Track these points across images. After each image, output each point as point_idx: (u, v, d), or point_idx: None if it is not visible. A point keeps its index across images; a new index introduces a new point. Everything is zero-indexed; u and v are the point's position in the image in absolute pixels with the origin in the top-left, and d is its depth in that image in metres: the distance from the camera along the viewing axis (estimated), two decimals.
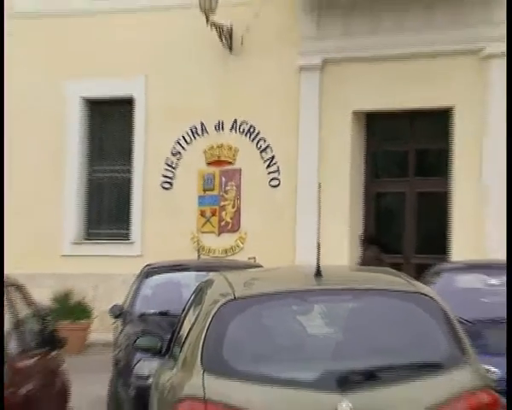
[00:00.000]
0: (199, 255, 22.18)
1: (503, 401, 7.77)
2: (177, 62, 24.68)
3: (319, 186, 19.16)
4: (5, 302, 10.50)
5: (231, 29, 24.35)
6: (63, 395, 12.30)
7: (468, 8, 22.56)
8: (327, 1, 23.76)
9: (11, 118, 24.93)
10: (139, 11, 25.04)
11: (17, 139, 25.62)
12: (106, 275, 23.01)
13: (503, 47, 22.14)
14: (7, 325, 10.26)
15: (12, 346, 10.22)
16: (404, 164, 24.53)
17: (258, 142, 24.55)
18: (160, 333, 11.40)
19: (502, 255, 20.03)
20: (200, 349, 7.43)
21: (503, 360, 11.88)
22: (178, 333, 9.12)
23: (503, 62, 22.23)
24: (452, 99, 22.80)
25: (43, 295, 19.70)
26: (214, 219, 24.80)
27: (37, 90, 25.54)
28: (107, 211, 26.04)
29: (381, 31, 23.30)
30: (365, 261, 20.50)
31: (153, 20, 24.84)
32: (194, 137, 25.09)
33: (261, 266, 16.78)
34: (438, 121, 23.24)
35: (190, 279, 13.72)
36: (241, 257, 22.27)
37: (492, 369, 9.61)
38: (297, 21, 24.15)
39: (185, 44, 24.51)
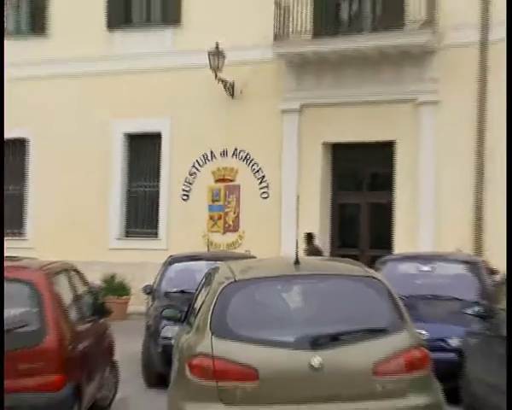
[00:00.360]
0: (208, 249, 22.52)
1: (431, 355, 7.92)
2: (194, 107, 24.74)
3: (297, 198, 19.50)
4: (66, 282, 10.72)
5: (233, 83, 24.46)
6: (109, 350, 12.39)
7: (407, 70, 22.83)
8: (303, 63, 23.84)
9: (74, 146, 25.57)
10: (167, 70, 24.99)
11: (77, 162, 25.80)
12: (140, 263, 23.02)
13: (431, 97, 22.68)
14: (69, 300, 10.44)
15: (73, 314, 10.31)
16: (360, 182, 24.72)
17: (252, 165, 24.63)
18: (179, 306, 11.48)
19: (430, 249, 20.39)
20: (209, 318, 7.68)
21: (431, 325, 12.16)
22: (193, 306, 9.32)
23: (432, 108, 22.75)
24: (395, 135, 23.08)
25: (95, 278, 19.82)
26: (220, 222, 24.83)
27: (93, 126, 25.70)
28: (142, 216, 26.00)
29: (343, 84, 23.46)
30: (309, 252, 20.66)
31: (177, 76, 24.86)
32: (206, 162, 25.15)
33: (255, 257, 16.79)
34: (384, 151, 23.22)
35: (202, 266, 13.72)
36: (240, 250, 22.28)
37: (423, 332, 9.86)
38: (281, 77, 24.26)
39: (199, 94, 24.63)
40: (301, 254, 20.05)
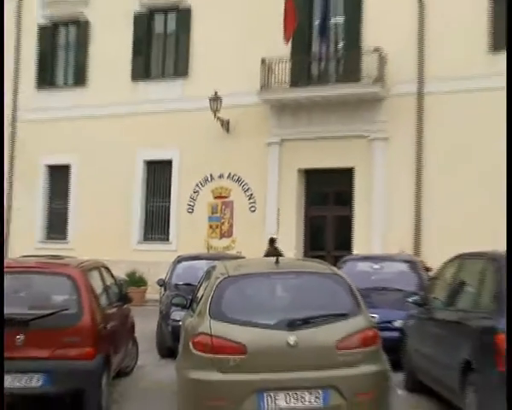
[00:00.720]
0: (208, 251, 22.54)
1: (380, 333, 7.94)
2: (197, 140, 24.76)
3: (278, 212, 19.36)
4: (97, 276, 10.75)
5: (228, 121, 24.47)
6: (131, 329, 12.40)
7: (362, 113, 22.99)
8: (283, 107, 23.93)
9: (106, 171, 25.81)
10: (177, 111, 25.11)
11: (108, 183, 25.90)
12: (155, 261, 22.92)
13: (381, 135, 22.84)
14: (100, 290, 10.44)
15: (103, 301, 10.32)
16: (327, 199, 24.68)
17: (243, 186, 24.60)
18: (185, 296, 11.48)
19: (380, 251, 20.44)
20: (208, 305, 7.71)
21: (380, 311, 12.17)
22: (196, 296, 9.23)
23: (382, 143, 22.97)
24: (353, 163, 23.15)
25: (120, 273, 19.76)
26: (217, 230, 24.76)
27: (120, 155, 25.76)
28: (156, 225, 25.91)
29: (314, 123, 23.54)
30: (269, 253, 20.41)
31: (185, 116, 24.93)
32: (206, 183, 25.12)
33: (244, 258, 16.82)
34: (345, 175, 23.23)
35: (203, 264, 13.58)
36: (232, 252, 22.15)
37: (375, 316, 9.82)
38: (266, 118, 24.28)
39: (202, 130, 24.65)
40: (262, 254, 20.42)
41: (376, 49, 22.34)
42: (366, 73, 22.56)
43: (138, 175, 26.24)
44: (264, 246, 20.95)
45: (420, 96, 22.37)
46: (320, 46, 23.19)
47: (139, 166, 26.23)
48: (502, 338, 7.33)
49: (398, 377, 10.47)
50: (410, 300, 11.32)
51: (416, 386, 10.70)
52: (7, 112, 26.95)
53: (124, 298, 11.82)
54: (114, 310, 10.96)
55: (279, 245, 20.74)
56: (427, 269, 15.89)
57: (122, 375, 11.74)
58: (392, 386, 8.56)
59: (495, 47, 21.63)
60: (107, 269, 11.73)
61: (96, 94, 26.75)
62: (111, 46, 26.38)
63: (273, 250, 20.74)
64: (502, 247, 9.65)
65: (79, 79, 27.59)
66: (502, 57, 21.28)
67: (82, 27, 27.75)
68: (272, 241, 21.33)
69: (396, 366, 9.89)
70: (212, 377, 7.34)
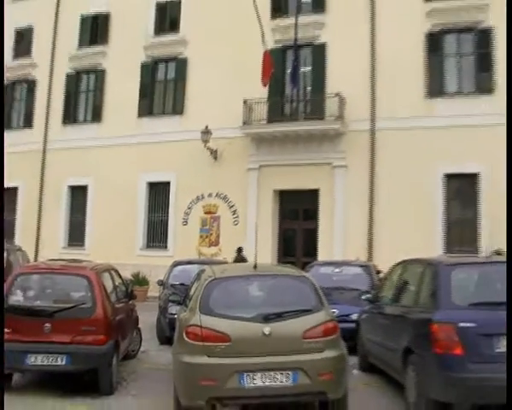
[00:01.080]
0: (199, 257, 22.43)
1: (340, 325, 7.99)
2: (191, 165, 24.65)
3: (256, 225, 19.36)
4: (108, 277, 10.80)
5: (216, 150, 24.39)
6: (136, 320, 12.39)
7: (326, 145, 22.93)
8: (261, 139, 23.89)
9: (116, 190, 25.88)
10: (175, 142, 25.01)
11: (117, 200, 25.80)
12: (155, 265, 22.72)
13: (341, 162, 22.79)
14: (110, 288, 10.50)
15: (113, 297, 10.37)
16: (297, 215, 24.51)
17: (228, 203, 24.50)
18: (180, 294, 11.47)
19: (340, 258, 20.37)
20: (198, 302, 7.75)
21: (340, 306, 12.21)
22: (188, 294, 9.19)
23: (342, 170, 22.87)
24: (319, 185, 23.09)
25: (127, 274, 19.75)
26: (207, 240, 24.61)
27: (127, 177, 25.65)
28: (157, 235, 25.79)
29: (286, 152, 23.46)
30: (236, 260, 20.55)
31: (181, 146, 24.84)
32: (198, 200, 24.96)
33: (228, 263, 16.88)
34: (312, 195, 23.17)
35: (194, 268, 13.32)
36: (219, 258, 22.07)
37: (335, 311, 9.82)
38: (247, 148, 24.21)
39: (194, 157, 24.54)
40: (230, 260, 20.39)
41: (337, 94, 22.41)
42: (329, 113, 22.59)
43: (142, 194, 26.07)
44: (246, 253, 20.96)
45: (372, 132, 22.42)
46: (292, 90, 23.20)
47: (143, 187, 26.07)
48: (436, 327, 7.43)
49: (353, 360, 10.56)
50: (363, 297, 11.38)
51: (368, 367, 10.77)
52: (39, 145, 27.81)
53: (130, 295, 11.82)
54: (122, 305, 11.00)
55: (256, 253, 20.63)
56: (378, 272, 15.96)
57: (128, 358, 11.78)
58: (349, 367, 8.60)
59: (430, 94, 21.91)
60: (116, 271, 11.77)
61: (109, 128, 26.76)
62: (122, 90, 26.38)
63: (240, 258, 20.85)
64: (437, 254, 9.79)
65: (96, 116, 27.59)
66: (436, 102, 21.72)
67: (99, 75, 27.83)
68: (239, 250, 21.48)
69: (352, 350, 9.88)
70: (202, 360, 7.37)
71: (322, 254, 22.15)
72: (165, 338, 13.49)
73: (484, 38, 21.41)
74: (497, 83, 20.99)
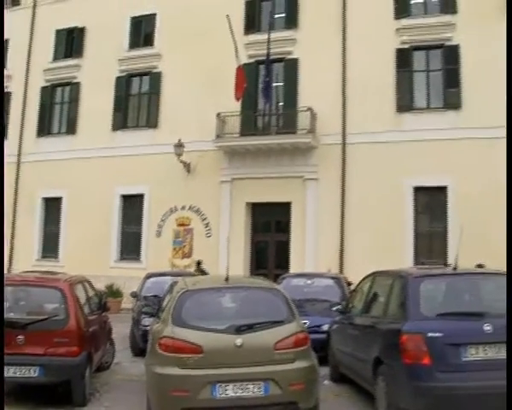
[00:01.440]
0: (172, 268, 22.31)
1: (311, 336, 8.09)
2: (164, 178, 24.52)
3: (228, 238, 19.40)
4: (82, 288, 10.72)
5: (189, 163, 24.31)
6: (109, 332, 12.31)
7: (298, 158, 23.02)
8: (233, 152, 23.89)
9: (90, 202, 25.65)
10: (148, 155, 24.95)
11: (91, 213, 25.54)
12: (129, 277, 22.49)
13: (312, 176, 22.86)
14: (83, 300, 10.43)
15: (86, 309, 10.30)
16: (269, 227, 24.55)
17: (201, 215, 24.40)
18: (153, 306, 11.43)
19: (312, 270, 20.42)
20: (171, 314, 7.77)
21: (311, 317, 12.25)
22: (161, 306, 9.20)
23: (313, 183, 22.94)
24: (291, 198, 23.10)
25: (101, 286, 19.58)
26: (180, 252, 24.44)
27: (101, 190, 25.45)
28: (131, 247, 25.57)
29: (258, 166, 23.49)
30: (196, 271, 20.76)
31: (154, 159, 24.75)
32: (171, 213, 24.84)
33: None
34: (284, 208, 23.21)
35: (167, 280, 13.23)
36: (192, 270, 21.85)
37: (307, 322, 9.89)
38: (220, 161, 24.18)
39: (168, 170, 24.41)
40: (216, 272, 20.36)
41: (309, 108, 22.54)
42: (301, 127, 22.72)
43: (116, 206, 25.89)
44: (218, 265, 21.00)
45: (343, 145, 22.50)
46: (264, 104, 23.26)
47: (116, 199, 25.90)
48: (405, 338, 7.48)
49: (324, 371, 10.52)
50: (334, 308, 11.42)
51: (338, 377, 10.78)
52: (13, 157, 27.36)
53: (103, 307, 11.72)
54: (95, 316, 10.92)
55: (228, 265, 20.59)
56: (349, 284, 16.02)
57: (102, 369, 11.71)
58: (320, 378, 8.62)
59: (400, 108, 22.14)
60: (90, 283, 11.70)
61: (83, 141, 26.57)
62: (96, 103, 26.26)
63: (199, 270, 21.00)
64: (407, 266, 9.84)
65: (70, 128, 27.41)
66: (405, 117, 21.98)
67: (74, 88, 27.70)
68: (199, 263, 21.74)
69: (323, 361, 9.95)
70: (174, 371, 7.37)
71: (294, 266, 22.16)
72: (139, 350, 13.38)
73: (451, 54, 21.73)
74: (464, 98, 21.29)
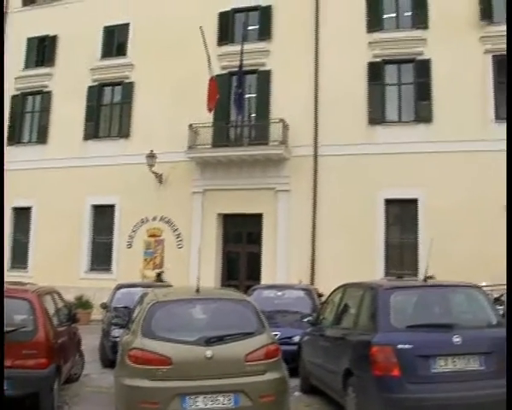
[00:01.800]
0: (142, 279, 22.23)
1: (282, 348, 8.09)
2: (136, 188, 24.41)
3: (199, 250, 19.32)
4: (50, 300, 10.63)
5: (161, 174, 24.23)
6: (78, 343, 12.17)
7: (270, 170, 23.05)
8: (205, 163, 23.86)
9: (61, 212, 25.32)
10: (120, 165, 24.80)
11: (62, 222, 25.23)
12: (99, 288, 22.31)
13: (284, 187, 22.94)
14: (52, 311, 10.32)
15: (55, 320, 10.21)
16: (240, 238, 24.53)
17: (172, 226, 24.28)
18: (123, 317, 11.38)
19: (283, 281, 20.46)
20: (141, 325, 7.73)
21: (282, 329, 12.26)
22: (131, 317, 9.15)
23: (285, 194, 22.95)
24: (262, 210, 23.11)
25: (70, 297, 19.42)
26: (151, 263, 24.25)
27: (72, 200, 25.11)
28: (101, 257, 25.30)
29: (230, 177, 23.51)
30: (157, 280, 21.06)
31: (126, 169, 24.61)
32: (142, 223, 24.68)
33: (172, 286, 16.78)
34: (256, 219, 23.24)
35: (138, 291, 13.23)
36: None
37: (277, 333, 9.87)
38: (192, 172, 24.12)
39: (140, 181, 24.32)
40: (188, 283, 20.30)
41: (281, 120, 22.62)
42: (273, 138, 22.76)
43: (86, 216, 25.68)
44: (188, 276, 20.97)
45: (315, 157, 22.62)
46: (236, 115, 23.32)
47: (87, 209, 25.68)
48: (375, 350, 7.51)
49: (295, 382, 10.58)
50: (305, 320, 11.44)
51: (309, 389, 10.78)
52: None
53: (72, 318, 11.63)
54: (64, 328, 10.81)
55: (199, 276, 20.52)
56: (320, 295, 16.05)
57: (71, 381, 11.60)
58: (291, 389, 8.64)
59: (372, 121, 22.33)
60: (59, 294, 11.60)
61: (54, 150, 26.38)
62: (68, 112, 26.08)
63: (159, 280, 21.26)
64: (378, 277, 9.88)
65: (41, 137, 27.19)
66: (377, 129, 22.18)
67: (45, 96, 27.50)
68: (159, 275, 21.85)
69: (294, 373, 9.98)
70: (143, 383, 7.33)
71: (266, 278, 22.17)
72: (108, 361, 13.27)
73: (422, 68, 22.00)
74: (434, 112, 21.55)
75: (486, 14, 21.47)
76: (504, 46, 20.48)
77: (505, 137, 19.68)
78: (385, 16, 23.12)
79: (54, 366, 9.28)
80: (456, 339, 7.42)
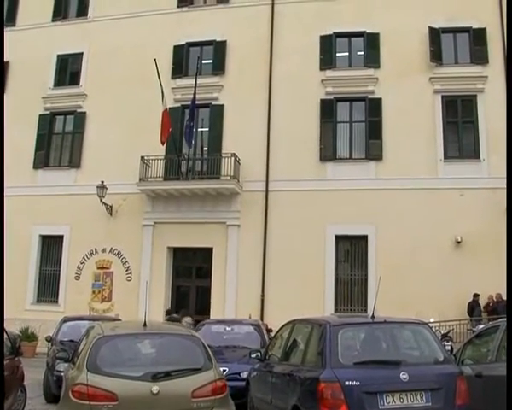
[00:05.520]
0: (90, 313, 21.86)
1: (229, 383, 8.10)
2: (85, 219, 24.20)
3: (147, 283, 19.16)
4: None
5: (112, 205, 24.11)
6: (21, 377, 11.81)
7: (221, 204, 23.17)
8: (156, 196, 23.77)
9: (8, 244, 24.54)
10: (70, 195, 24.61)
11: (7, 251, 24.54)
12: (45, 320, 21.99)
13: (235, 222, 23.05)
14: None
15: None
16: (191, 272, 24.42)
17: (122, 259, 24.08)
18: (69, 351, 11.18)
19: (232, 316, 20.47)
20: (86, 360, 7.56)
21: (230, 365, 12.14)
22: (77, 351, 8.96)
23: (236, 229, 23.09)
24: (212, 243, 23.12)
25: (15, 329, 19.10)
26: (99, 295, 24.00)
27: (17, 231, 24.00)
28: (48, 289, 24.86)
29: (181, 210, 23.55)
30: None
31: (76, 199, 24.44)
32: (91, 255, 24.42)
33: (120, 320, 16.60)
34: (206, 253, 23.26)
35: (85, 324, 13.04)
36: (111, 314, 21.64)
37: (225, 369, 9.82)
38: (142, 204, 24.06)
39: (90, 211, 24.13)
40: (136, 317, 20.07)
41: (233, 154, 22.79)
42: (224, 173, 22.89)
43: (34, 247, 25.26)
44: (137, 310, 20.76)
45: (266, 192, 22.86)
46: (189, 149, 23.34)
47: (35, 239, 25.27)
48: (322, 386, 7.51)
49: None
50: (253, 356, 11.36)
51: None
52: None
53: (16, 351, 11.33)
54: (7, 361, 10.45)
55: (146, 310, 20.44)
56: (269, 330, 16.04)
57: None
58: None
59: (323, 158, 22.62)
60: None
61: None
62: (18, 140, 25.58)
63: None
64: (328, 313, 9.91)
65: None
66: (328, 166, 22.46)
67: None
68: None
69: (242, 409, 9.89)
70: None
71: (215, 312, 22.14)
72: (52, 396, 13.00)
73: (374, 107, 22.47)
74: (384, 149, 21.94)
75: (436, 55, 22.12)
76: (453, 87, 21.24)
77: (454, 175, 20.28)
78: (338, 55, 23.64)
79: None
80: (404, 376, 7.47)
